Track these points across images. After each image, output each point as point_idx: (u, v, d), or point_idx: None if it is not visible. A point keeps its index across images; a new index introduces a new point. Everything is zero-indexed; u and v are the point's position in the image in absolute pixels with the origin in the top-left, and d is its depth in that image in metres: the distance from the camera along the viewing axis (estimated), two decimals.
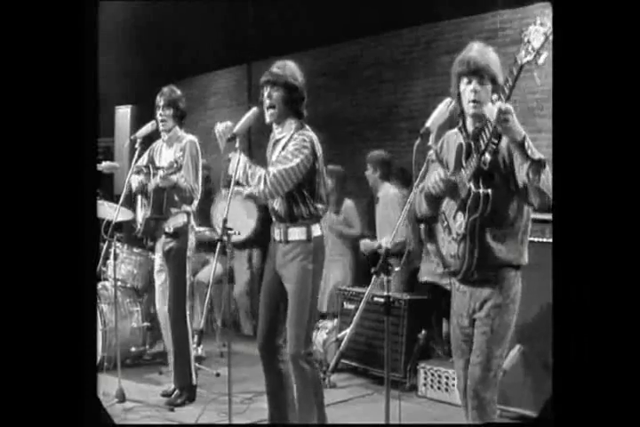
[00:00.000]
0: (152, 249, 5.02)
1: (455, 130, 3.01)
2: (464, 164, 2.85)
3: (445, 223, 2.99)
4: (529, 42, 2.45)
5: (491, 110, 2.61)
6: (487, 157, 2.78)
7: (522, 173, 2.65)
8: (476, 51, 2.86)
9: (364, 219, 6.37)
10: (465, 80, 2.85)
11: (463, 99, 2.86)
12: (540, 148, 2.66)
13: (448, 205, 2.98)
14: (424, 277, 5.40)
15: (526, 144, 2.60)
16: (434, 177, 2.91)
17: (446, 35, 6.90)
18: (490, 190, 2.77)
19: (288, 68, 3.56)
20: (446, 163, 3.03)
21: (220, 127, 3.44)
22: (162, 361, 5.49)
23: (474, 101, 2.83)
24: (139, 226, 4.74)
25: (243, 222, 4.71)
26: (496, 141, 2.76)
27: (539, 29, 2.43)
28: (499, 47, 6.20)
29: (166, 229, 4.63)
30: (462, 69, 2.85)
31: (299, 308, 3.53)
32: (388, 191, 6.00)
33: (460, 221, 2.87)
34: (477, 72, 2.81)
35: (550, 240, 3.87)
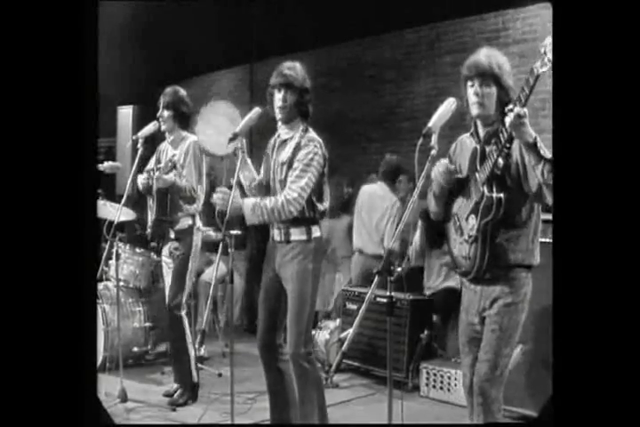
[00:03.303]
0: (153, 249, 5.04)
1: (468, 134, 3.08)
2: (478, 168, 2.91)
3: (458, 224, 3.04)
4: (545, 53, 2.48)
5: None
6: (500, 161, 2.83)
7: (537, 173, 2.69)
8: (482, 55, 2.93)
9: None
10: (469, 83, 2.92)
11: (469, 102, 2.93)
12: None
13: (461, 207, 3.03)
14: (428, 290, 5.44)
15: (539, 144, 2.65)
16: (437, 168, 2.97)
17: (448, 35, 6.91)
18: (503, 195, 2.82)
19: (299, 70, 3.59)
20: (459, 166, 3.09)
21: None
22: (164, 361, 5.51)
23: (477, 103, 2.90)
24: (148, 229, 4.76)
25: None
26: (509, 146, 2.81)
27: None
28: (501, 47, 6.25)
29: (172, 235, 4.65)
30: (467, 73, 2.92)
31: (298, 307, 3.53)
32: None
33: (472, 224, 2.92)
34: (481, 75, 2.87)
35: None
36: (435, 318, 5.24)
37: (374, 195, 5.95)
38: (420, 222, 5.50)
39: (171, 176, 4.46)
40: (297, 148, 3.56)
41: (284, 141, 3.65)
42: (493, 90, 2.88)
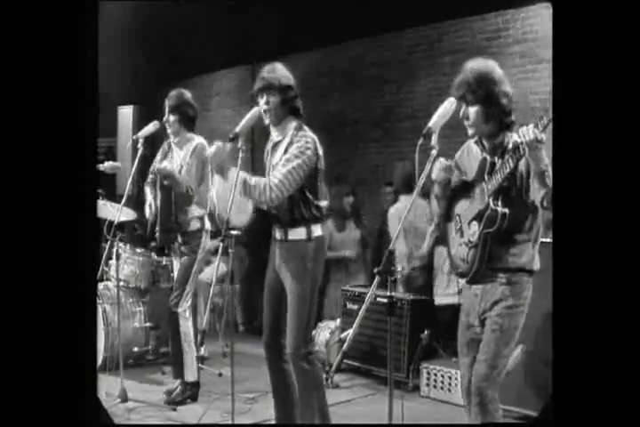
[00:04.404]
0: (154, 249, 5.05)
1: (474, 140, 3.09)
2: (486, 178, 2.93)
3: (459, 226, 3.07)
4: None
5: (524, 133, 2.63)
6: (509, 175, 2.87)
7: (538, 197, 2.75)
8: (466, 72, 2.93)
9: None
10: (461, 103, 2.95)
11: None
12: None
13: (464, 210, 3.06)
14: (440, 300, 5.41)
15: (546, 173, 2.66)
16: (434, 166, 2.98)
17: (449, 35, 6.90)
18: (507, 210, 2.85)
19: (278, 69, 3.59)
20: (465, 171, 3.12)
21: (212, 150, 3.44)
22: (164, 361, 5.50)
23: (468, 125, 2.96)
24: (156, 234, 4.75)
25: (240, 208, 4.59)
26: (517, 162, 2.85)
27: None
28: (501, 47, 6.25)
29: (179, 239, 4.67)
30: (455, 93, 2.94)
31: (298, 307, 3.52)
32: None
33: (474, 230, 2.95)
34: (464, 97, 2.91)
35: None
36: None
37: (415, 216, 5.59)
38: (430, 232, 5.48)
39: (171, 167, 4.54)
40: (289, 145, 3.54)
41: (277, 144, 3.64)
42: (478, 108, 2.90)
